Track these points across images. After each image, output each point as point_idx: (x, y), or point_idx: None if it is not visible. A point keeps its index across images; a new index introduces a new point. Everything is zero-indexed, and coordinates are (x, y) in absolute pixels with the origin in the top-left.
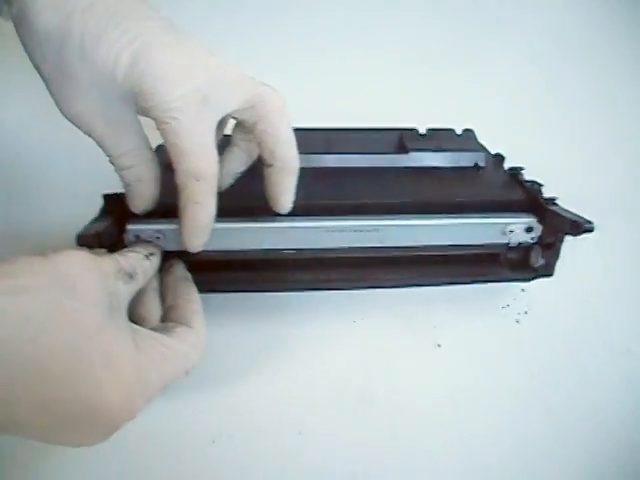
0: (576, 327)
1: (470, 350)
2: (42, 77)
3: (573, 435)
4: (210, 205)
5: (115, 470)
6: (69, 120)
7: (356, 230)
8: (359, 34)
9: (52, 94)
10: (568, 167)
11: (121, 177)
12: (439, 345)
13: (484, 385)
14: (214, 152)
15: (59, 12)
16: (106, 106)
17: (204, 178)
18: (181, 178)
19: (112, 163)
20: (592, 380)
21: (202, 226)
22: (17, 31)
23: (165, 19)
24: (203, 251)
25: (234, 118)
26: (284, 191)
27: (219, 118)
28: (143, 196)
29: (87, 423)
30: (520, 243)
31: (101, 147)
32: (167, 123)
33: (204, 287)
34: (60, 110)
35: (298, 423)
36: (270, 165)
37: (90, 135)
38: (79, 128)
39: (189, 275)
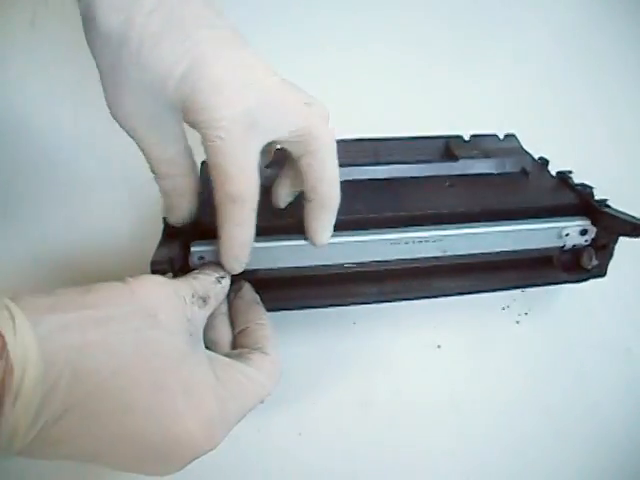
0: (576, 327)
1: (470, 351)
2: (99, 71)
3: (573, 435)
4: (248, 226)
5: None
6: (116, 120)
7: (420, 241)
8: (360, 33)
9: (104, 90)
10: (568, 167)
11: (160, 186)
12: (439, 345)
13: (484, 385)
14: (255, 175)
15: (122, 13)
16: (153, 112)
17: (243, 201)
18: (220, 198)
19: (152, 171)
20: (592, 380)
21: (240, 246)
22: (83, 25)
23: (232, 28)
24: (268, 269)
25: (280, 144)
26: (321, 228)
27: (265, 143)
28: (180, 207)
29: (167, 454)
30: (574, 245)
31: (142, 151)
32: (213, 141)
33: (269, 305)
34: (109, 109)
35: (298, 423)
36: (310, 200)
37: (133, 137)
38: (123, 128)
39: (258, 298)
